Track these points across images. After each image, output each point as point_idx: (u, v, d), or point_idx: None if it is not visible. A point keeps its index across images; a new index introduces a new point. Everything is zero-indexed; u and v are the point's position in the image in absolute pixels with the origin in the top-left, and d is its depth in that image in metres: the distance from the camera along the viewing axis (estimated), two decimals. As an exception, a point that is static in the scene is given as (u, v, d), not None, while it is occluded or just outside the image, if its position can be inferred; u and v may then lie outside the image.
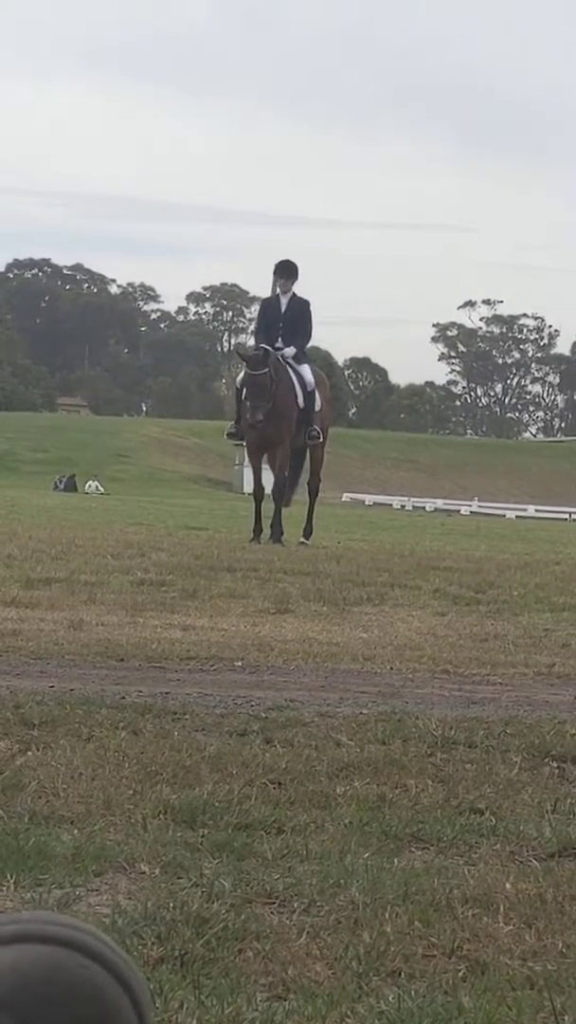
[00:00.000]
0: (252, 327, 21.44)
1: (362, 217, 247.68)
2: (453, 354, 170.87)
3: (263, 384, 17.40)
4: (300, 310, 18.32)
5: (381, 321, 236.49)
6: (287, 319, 18.11)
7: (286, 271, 18.24)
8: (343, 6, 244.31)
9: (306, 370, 18.29)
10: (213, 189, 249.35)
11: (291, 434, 18.03)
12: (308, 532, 18.56)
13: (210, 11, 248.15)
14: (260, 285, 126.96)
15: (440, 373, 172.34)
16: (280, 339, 17.99)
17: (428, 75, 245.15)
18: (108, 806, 3.96)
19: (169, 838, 3.68)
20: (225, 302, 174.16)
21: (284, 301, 18.15)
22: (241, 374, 18.43)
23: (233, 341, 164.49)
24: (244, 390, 17.85)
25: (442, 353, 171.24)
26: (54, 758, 4.53)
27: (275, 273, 18.27)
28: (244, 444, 19.38)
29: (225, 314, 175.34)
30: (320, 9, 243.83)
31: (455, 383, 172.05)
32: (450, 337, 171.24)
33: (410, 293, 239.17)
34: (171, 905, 3.10)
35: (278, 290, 18.24)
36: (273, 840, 3.71)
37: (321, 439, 18.62)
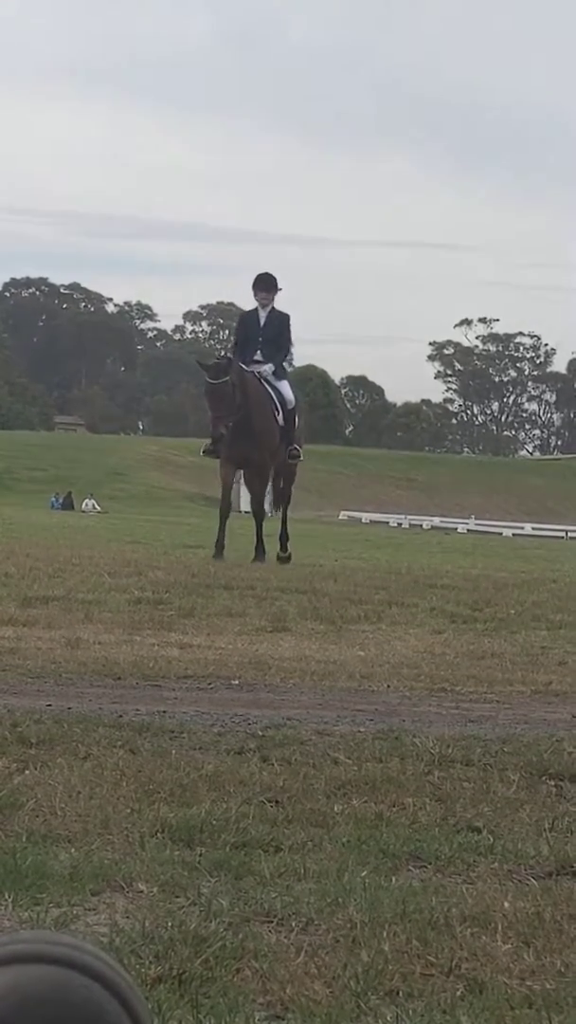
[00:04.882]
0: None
1: (358, 236, 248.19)
2: (450, 372, 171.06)
3: (224, 393, 16.87)
4: (279, 324, 17.99)
5: (378, 339, 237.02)
6: (266, 334, 17.78)
7: (266, 284, 17.90)
8: (341, 26, 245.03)
9: (286, 387, 17.98)
10: (210, 208, 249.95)
11: (271, 452, 17.63)
12: (284, 542, 18.17)
13: (208, 31, 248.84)
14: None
15: (437, 391, 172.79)
16: (259, 353, 17.67)
17: (425, 94, 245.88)
18: (106, 825, 3.95)
19: (167, 857, 3.68)
20: (222, 320, 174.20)
21: (263, 315, 17.84)
22: None
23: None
24: (205, 401, 17.40)
25: (439, 371, 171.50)
26: (52, 777, 4.52)
27: (254, 286, 17.93)
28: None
29: (222, 332, 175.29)
30: (318, 29, 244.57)
31: (452, 401, 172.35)
32: (447, 355, 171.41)
33: (406, 311, 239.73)
34: (169, 924, 3.09)
35: (257, 303, 17.93)
36: (271, 859, 3.70)
37: (301, 458, 18.42)
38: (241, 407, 16.97)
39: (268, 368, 17.68)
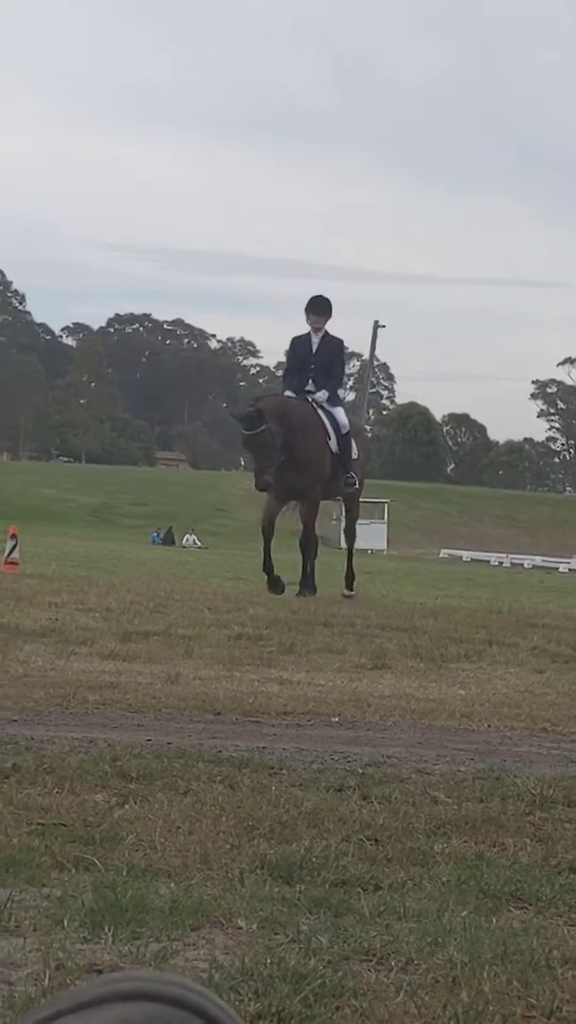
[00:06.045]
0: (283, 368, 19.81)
1: (458, 272, 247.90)
2: (552, 411, 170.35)
3: (263, 443, 16.34)
4: (332, 350, 17.46)
5: (480, 377, 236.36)
6: (319, 360, 17.23)
7: (318, 307, 17.37)
8: (438, 63, 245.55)
9: (340, 413, 17.39)
10: (309, 244, 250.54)
11: (322, 482, 17.11)
12: (351, 581, 17.82)
13: (304, 67, 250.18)
14: (356, 339, 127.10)
15: (539, 430, 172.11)
16: (311, 381, 17.17)
17: (521, 130, 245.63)
18: (205, 860, 3.96)
19: (266, 893, 3.67)
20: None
21: (316, 340, 17.25)
22: None
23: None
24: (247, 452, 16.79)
25: (541, 410, 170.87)
26: (151, 811, 4.53)
27: (307, 310, 17.38)
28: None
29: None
30: (414, 65, 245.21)
31: (554, 440, 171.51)
32: (550, 394, 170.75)
33: (510, 349, 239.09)
34: (268, 961, 3.09)
35: (310, 328, 17.34)
36: (371, 897, 3.69)
37: (358, 487, 17.76)
38: (285, 445, 16.48)
39: (323, 395, 17.14)
